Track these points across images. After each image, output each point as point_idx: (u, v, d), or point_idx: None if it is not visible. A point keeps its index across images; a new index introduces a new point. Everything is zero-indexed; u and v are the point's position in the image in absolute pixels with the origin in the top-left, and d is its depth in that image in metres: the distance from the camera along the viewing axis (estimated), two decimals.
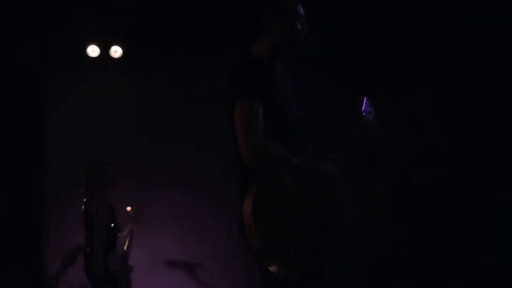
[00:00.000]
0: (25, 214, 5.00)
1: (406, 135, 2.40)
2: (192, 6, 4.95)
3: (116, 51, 5.34)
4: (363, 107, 2.26)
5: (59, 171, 5.03)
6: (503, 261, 4.65)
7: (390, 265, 5.04)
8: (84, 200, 4.08)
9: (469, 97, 5.16)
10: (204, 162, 5.11)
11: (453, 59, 5.25)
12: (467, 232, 4.91)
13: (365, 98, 2.28)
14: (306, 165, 2.04)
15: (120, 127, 5.29)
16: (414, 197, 5.24)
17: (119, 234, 4.25)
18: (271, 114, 2.00)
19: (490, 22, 4.96)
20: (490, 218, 4.87)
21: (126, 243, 4.40)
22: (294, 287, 1.98)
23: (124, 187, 4.34)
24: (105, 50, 5.32)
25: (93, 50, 5.29)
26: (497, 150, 5.01)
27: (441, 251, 4.94)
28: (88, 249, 4.01)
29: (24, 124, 5.19)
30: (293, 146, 2.07)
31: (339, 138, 2.26)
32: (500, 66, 4.99)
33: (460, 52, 5.21)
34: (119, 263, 4.15)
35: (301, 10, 2.19)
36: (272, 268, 1.88)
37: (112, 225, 4.09)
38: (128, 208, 4.49)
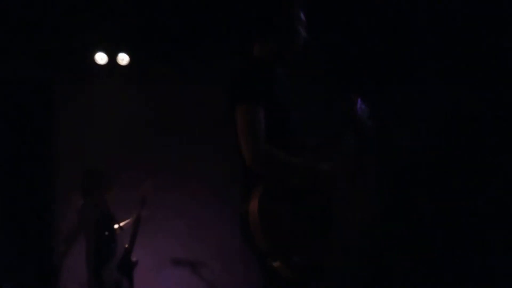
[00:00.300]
0: (35, 212, 5.02)
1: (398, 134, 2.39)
2: (195, 15, 4.96)
3: (123, 59, 5.35)
4: (358, 106, 2.27)
5: (67, 173, 5.00)
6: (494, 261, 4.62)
7: (387, 265, 5.02)
8: (79, 206, 4.19)
9: (462, 100, 5.13)
10: (207, 166, 5.13)
11: (447, 64, 5.23)
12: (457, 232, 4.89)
13: (359, 98, 2.29)
14: (307, 166, 2.01)
15: (127, 131, 5.27)
16: (407, 197, 5.22)
17: (116, 226, 4.25)
18: (272, 114, 1.97)
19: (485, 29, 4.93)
20: (481, 219, 4.85)
21: (131, 233, 4.34)
22: (295, 286, 1.94)
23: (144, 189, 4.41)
24: (112, 58, 5.33)
25: (101, 58, 5.30)
26: (489, 153, 4.99)
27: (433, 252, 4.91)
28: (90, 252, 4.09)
29: (35, 127, 5.20)
30: (292, 145, 2.06)
31: (335, 136, 2.26)
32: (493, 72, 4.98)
33: (454, 57, 5.19)
34: (119, 261, 4.17)
35: (303, 15, 2.16)
36: (275, 265, 1.86)
37: (106, 233, 4.13)
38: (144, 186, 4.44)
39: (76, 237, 4.23)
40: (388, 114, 4.88)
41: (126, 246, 4.35)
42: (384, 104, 4.87)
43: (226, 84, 2.08)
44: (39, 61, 5.17)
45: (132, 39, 5.31)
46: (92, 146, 5.12)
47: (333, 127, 2.35)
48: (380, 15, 4.87)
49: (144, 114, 5.36)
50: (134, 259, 4.35)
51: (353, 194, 2.19)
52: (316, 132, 2.27)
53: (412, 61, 5.26)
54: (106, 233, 4.14)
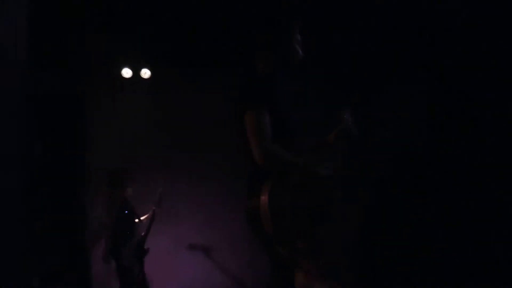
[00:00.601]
0: (70, 203, 5.08)
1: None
2: (206, 35, 4.97)
3: (145, 73, 5.35)
4: (346, 115, 2.31)
5: (96, 170, 5.01)
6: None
7: (378, 253, 4.99)
8: (108, 196, 4.35)
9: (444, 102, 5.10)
10: (220, 164, 5.10)
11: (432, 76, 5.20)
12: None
13: (348, 108, 2.34)
14: (307, 167, 2.03)
15: (149, 135, 5.28)
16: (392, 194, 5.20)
17: (136, 220, 4.34)
18: (275, 118, 1.99)
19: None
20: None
21: (146, 228, 4.41)
22: (297, 267, 1.97)
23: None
24: (136, 72, 5.33)
25: (126, 72, 5.30)
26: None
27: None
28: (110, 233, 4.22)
29: (70, 133, 5.23)
30: (293, 144, 2.08)
31: (326, 139, 2.32)
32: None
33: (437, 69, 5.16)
34: (134, 246, 4.25)
35: (299, 35, 2.20)
36: (281, 250, 1.91)
37: (126, 212, 4.30)
38: (160, 189, 4.56)
39: (108, 223, 4.30)
40: (375, 116, 4.88)
41: (142, 234, 4.42)
42: (371, 106, 4.88)
43: (234, 93, 2.10)
44: (75, 76, 5.21)
45: (153, 57, 5.31)
46: (118, 147, 5.11)
47: (327, 130, 2.37)
48: (370, 23, 4.83)
49: (163, 120, 5.34)
50: (146, 247, 4.42)
51: (344, 190, 2.19)
52: (313, 133, 2.31)
53: (400, 66, 5.26)
54: (126, 220, 4.29)
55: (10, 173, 2.30)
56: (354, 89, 4.93)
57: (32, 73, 2.66)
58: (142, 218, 4.44)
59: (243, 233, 2.25)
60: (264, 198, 1.90)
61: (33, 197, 4.36)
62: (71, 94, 5.27)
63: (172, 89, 5.41)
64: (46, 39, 4.58)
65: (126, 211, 4.32)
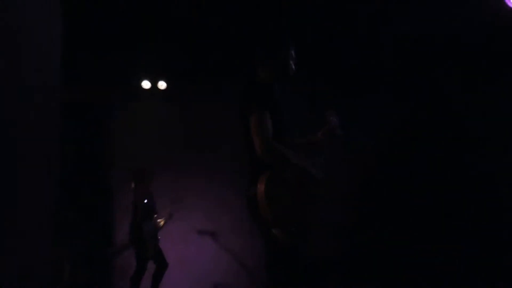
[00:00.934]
0: (98, 197, 5.10)
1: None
2: (214, 52, 5.00)
3: (162, 85, 5.35)
4: (331, 117, 2.35)
5: (122, 170, 5.00)
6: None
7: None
8: (132, 189, 4.39)
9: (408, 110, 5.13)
10: (227, 160, 5.03)
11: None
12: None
13: (333, 110, 2.38)
14: (300, 164, 2.06)
15: (165, 138, 5.26)
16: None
17: (155, 215, 4.38)
18: (274, 120, 2.02)
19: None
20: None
21: (163, 222, 4.46)
22: (290, 248, 1.97)
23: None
24: (154, 84, 5.33)
25: (145, 84, 5.31)
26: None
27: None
28: (133, 219, 4.29)
29: (96, 138, 5.24)
30: (286, 142, 2.10)
31: (314, 137, 2.35)
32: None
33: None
34: (151, 231, 4.30)
35: (293, 51, 2.26)
36: (275, 232, 1.90)
37: (148, 204, 4.34)
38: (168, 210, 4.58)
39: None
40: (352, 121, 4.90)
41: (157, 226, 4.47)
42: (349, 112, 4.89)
43: (235, 105, 2.14)
44: (101, 88, 5.23)
45: (168, 71, 5.32)
46: (139, 150, 5.08)
47: (315, 130, 2.39)
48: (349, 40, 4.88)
49: (176, 124, 5.34)
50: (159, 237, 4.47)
51: (328, 180, 2.21)
52: (302, 132, 2.35)
53: (371, 79, 5.29)
54: (148, 210, 4.32)
55: (47, 170, 2.31)
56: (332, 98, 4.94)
57: (65, 85, 2.67)
58: (159, 220, 4.47)
59: (244, 220, 2.25)
60: (261, 186, 1.92)
61: (67, 191, 4.39)
62: (99, 104, 5.28)
63: (184, 98, 5.41)
64: (76, 55, 4.59)
65: (148, 203, 4.36)
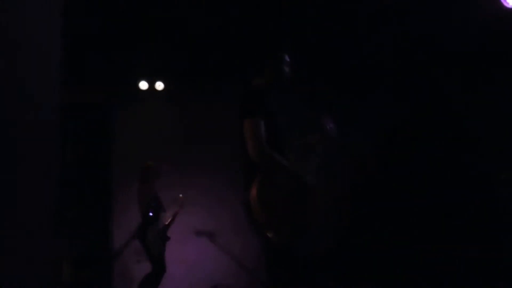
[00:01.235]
0: (100, 195, 5.12)
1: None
2: (212, 56, 5.03)
3: (159, 85, 5.37)
4: (328, 123, 2.38)
5: (121, 170, 5.04)
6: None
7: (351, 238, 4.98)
8: (137, 188, 4.35)
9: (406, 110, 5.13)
10: (226, 160, 5.03)
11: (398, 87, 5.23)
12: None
13: (328, 115, 2.41)
14: (291, 168, 2.09)
15: (165, 138, 5.29)
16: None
17: (162, 213, 4.35)
18: (267, 125, 2.05)
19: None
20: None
21: (169, 220, 4.44)
22: (283, 249, 2.00)
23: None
24: (151, 85, 5.35)
25: (143, 85, 5.31)
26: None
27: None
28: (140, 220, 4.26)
29: (96, 138, 5.26)
30: (280, 146, 2.12)
31: (309, 141, 2.36)
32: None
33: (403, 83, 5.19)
34: (159, 232, 4.28)
35: (287, 58, 2.29)
36: (269, 234, 1.92)
37: (154, 204, 4.31)
38: (180, 195, 4.61)
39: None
40: (352, 121, 4.90)
41: (166, 223, 4.44)
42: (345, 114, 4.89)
43: (235, 105, 2.16)
44: (100, 89, 5.25)
45: (166, 72, 5.35)
46: (139, 150, 5.11)
47: (310, 133, 2.40)
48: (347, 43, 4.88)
49: (178, 125, 5.37)
50: (168, 235, 4.46)
51: (321, 183, 2.22)
52: (297, 137, 2.35)
53: (370, 80, 5.29)
54: (154, 208, 4.31)
55: (47, 170, 2.31)
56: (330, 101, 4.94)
57: (64, 85, 2.68)
58: (166, 223, 4.47)
59: (241, 221, 2.27)
60: (254, 191, 1.94)
61: (67, 191, 4.41)
62: (98, 104, 5.30)
63: (184, 99, 5.44)
64: (75, 56, 4.60)
65: (153, 202, 4.36)
